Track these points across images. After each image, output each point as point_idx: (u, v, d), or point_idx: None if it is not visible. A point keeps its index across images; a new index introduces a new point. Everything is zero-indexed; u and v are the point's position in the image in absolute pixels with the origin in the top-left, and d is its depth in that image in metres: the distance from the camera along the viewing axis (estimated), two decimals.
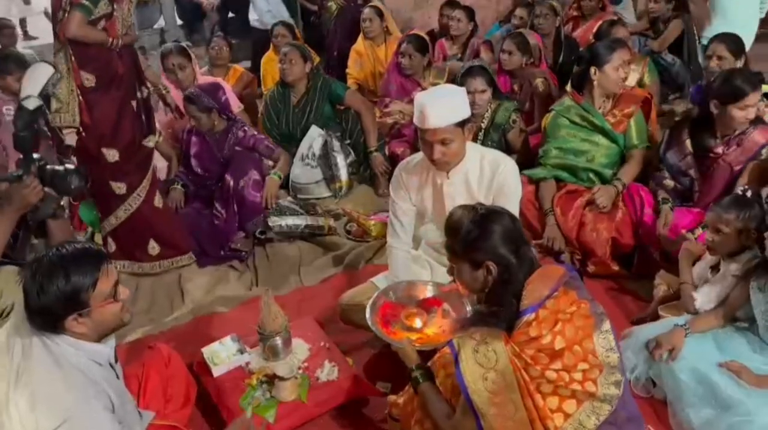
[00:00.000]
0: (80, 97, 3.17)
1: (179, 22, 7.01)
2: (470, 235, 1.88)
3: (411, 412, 2.10)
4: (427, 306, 2.49)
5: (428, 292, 2.57)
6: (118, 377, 1.96)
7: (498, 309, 1.84)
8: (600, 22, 4.63)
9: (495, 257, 1.84)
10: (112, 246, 3.53)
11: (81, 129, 3.23)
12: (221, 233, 3.70)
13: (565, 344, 1.73)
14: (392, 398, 2.29)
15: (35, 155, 2.42)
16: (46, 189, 2.42)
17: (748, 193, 2.59)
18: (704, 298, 2.56)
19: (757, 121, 3.12)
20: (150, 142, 3.44)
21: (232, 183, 3.71)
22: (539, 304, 1.76)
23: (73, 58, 3.14)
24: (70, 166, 2.55)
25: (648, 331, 2.57)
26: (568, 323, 1.75)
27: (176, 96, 4.41)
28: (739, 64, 3.54)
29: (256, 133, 4.01)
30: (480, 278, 1.89)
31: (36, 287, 1.70)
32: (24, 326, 1.79)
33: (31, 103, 2.39)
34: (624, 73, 3.41)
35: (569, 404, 1.74)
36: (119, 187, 3.36)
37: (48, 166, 2.44)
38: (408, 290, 2.60)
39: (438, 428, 1.94)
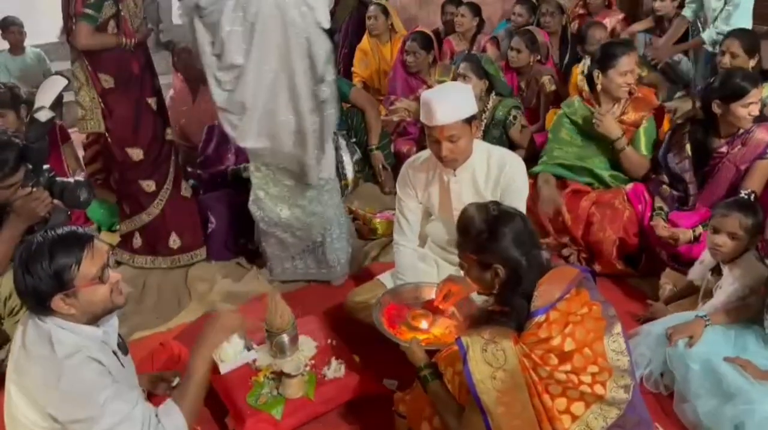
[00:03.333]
0: (102, 105, 3.24)
1: (181, 21, 7.03)
2: (481, 236, 1.87)
3: (419, 409, 2.10)
4: (433, 307, 2.49)
5: (434, 293, 2.57)
6: (123, 367, 1.97)
7: (508, 309, 1.84)
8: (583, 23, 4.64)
9: (504, 260, 1.84)
10: (138, 241, 3.57)
11: (107, 134, 3.33)
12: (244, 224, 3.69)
13: (575, 346, 1.73)
14: (399, 394, 2.29)
15: (45, 166, 2.42)
16: (55, 201, 2.42)
17: (752, 197, 2.60)
18: (711, 308, 2.56)
19: (760, 119, 3.10)
20: (169, 134, 3.47)
21: None
22: (550, 305, 1.76)
23: (89, 67, 3.19)
24: (80, 179, 2.56)
25: (661, 326, 2.57)
26: (578, 325, 1.74)
27: (181, 90, 4.42)
28: (752, 62, 3.50)
29: None
30: (488, 279, 1.90)
31: (22, 268, 1.74)
32: (24, 313, 1.85)
33: (43, 115, 2.39)
34: (632, 78, 3.33)
35: (577, 406, 1.74)
36: (149, 185, 3.41)
37: (58, 179, 2.44)
38: (413, 292, 2.61)
39: (447, 425, 1.94)
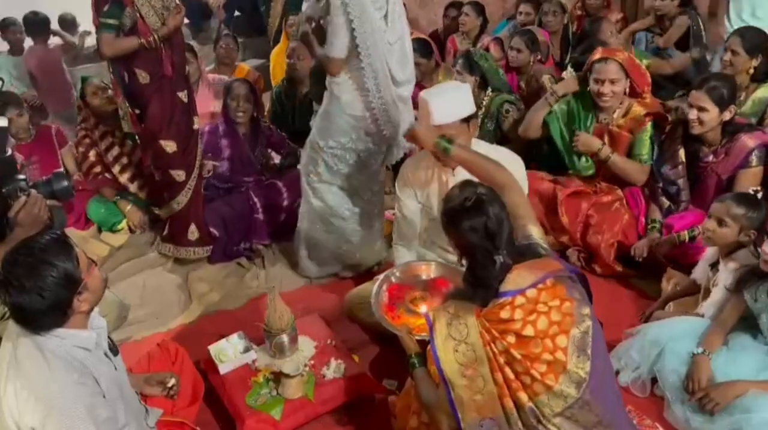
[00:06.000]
0: (130, 109, 3.35)
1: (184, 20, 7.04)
2: (443, 219, 1.94)
3: (408, 404, 2.13)
4: (434, 287, 2.50)
5: (432, 271, 2.58)
6: (116, 369, 1.97)
7: (477, 289, 1.86)
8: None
9: (459, 247, 1.90)
10: (166, 230, 3.65)
11: (137, 136, 3.54)
12: (258, 224, 3.72)
13: (534, 334, 1.74)
14: (392, 398, 2.33)
15: (20, 177, 2.33)
16: (48, 202, 2.38)
17: (759, 195, 2.58)
18: (710, 310, 2.56)
19: (749, 126, 3.10)
20: (195, 124, 3.50)
21: (286, 195, 3.74)
22: (519, 290, 1.77)
23: (112, 73, 3.30)
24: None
25: (655, 329, 2.57)
26: (543, 315, 1.75)
27: None
28: (754, 62, 3.46)
29: (278, 131, 4.10)
30: (458, 254, 1.95)
31: (35, 292, 1.70)
32: (13, 329, 1.81)
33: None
34: (608, 88, 3.24)
35: (531, 390, 1.75)
36: (179, 175, 3.47)
37: (37, 180, 2.33)
38: (411, 270, 2.61)
39: (425, 403, 1.97)
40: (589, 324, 1.78)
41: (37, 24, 5.58)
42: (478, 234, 1.82)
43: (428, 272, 2.58)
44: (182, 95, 3.38)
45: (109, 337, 2.01)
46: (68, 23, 6.26)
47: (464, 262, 1.92)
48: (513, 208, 2.05)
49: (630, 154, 3.33)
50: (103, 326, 1.97)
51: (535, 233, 2.03)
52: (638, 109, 3.31)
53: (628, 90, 3.31)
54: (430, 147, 2.41)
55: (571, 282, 1.85)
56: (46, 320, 1.76)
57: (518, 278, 1.79)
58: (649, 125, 3.29)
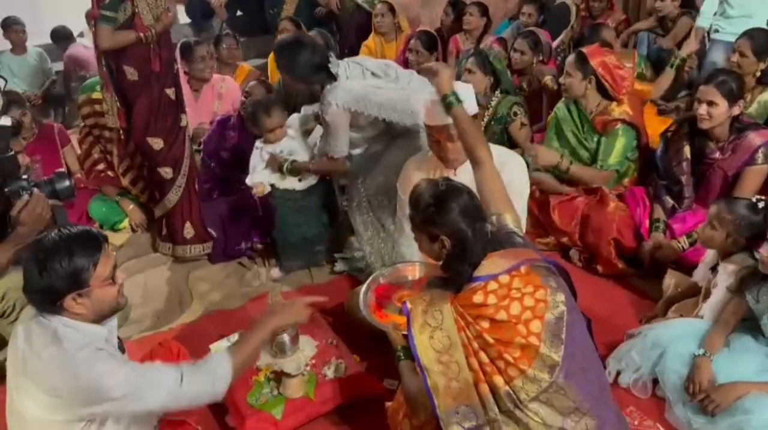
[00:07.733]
0: (118, 104, 3.38)
1: (186, 20, 7.04)
2: (428, 210, 1.92)
3: (400, 406, 2.13)
4: (420, 286, 2.49)
5: (417, 271, 2.58)
6: None
7: (451, 276, 1.89)
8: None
9: (450, 231, 1.88)
10: (164, 229, 3.65)
11: (120, 130, 3.53)
12: (259, 223, 3.72)
13: (507, 318, 1.75)
14: (388, 404, 2.32)
15: (23, 177, 2.31)
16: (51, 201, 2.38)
17: (761, 204, 2.52)
18: (708, 312, 2.55)
19: (757, 124, 3.10)
20: (183, 121, 3.52)
21: None
22: (492, 276, 1.80)
23: (105, 66, 3.31)
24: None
25: (656, 331, 2.57)
26: (516, 300, 1.77)
27: (185, 88, 4.42)
28: (762, 65, 3.44)
29: None
30: (436, 250, 1.94)
31: (38, 265, 1.72)
32: (26, 312, 1.83)
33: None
34: (567, 81, 3.42)
35: (506, 374, 1.76)
36: (167, 172, 3.50)
37: (39, 180, 2.33)
38: (398, 272, 2.61)
39: (407, 394, 1.99)
40: (563, 310, 1.79)
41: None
42: (465, 211, 1.86)
43: (414, 272, 2.58)
44: (170, 92, 3.41)
45: (117, 337, 2.01)
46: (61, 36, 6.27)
47: (444, 252, 1.91)
48: (483, 187, 2.13)
49: (596, 157, 3.39)
50: (113, 324, 1.97)
51: (509, 220, 2.05)
52: (610, 112, 3.36)
53: (589, 85, 3.37)
54: (444, 90, 2.39)
55: (547, 271, 1.86)
56: (34, 296, 1.77)
57: (492, 264, 1.82)
58: (620, 130, 3.32)
